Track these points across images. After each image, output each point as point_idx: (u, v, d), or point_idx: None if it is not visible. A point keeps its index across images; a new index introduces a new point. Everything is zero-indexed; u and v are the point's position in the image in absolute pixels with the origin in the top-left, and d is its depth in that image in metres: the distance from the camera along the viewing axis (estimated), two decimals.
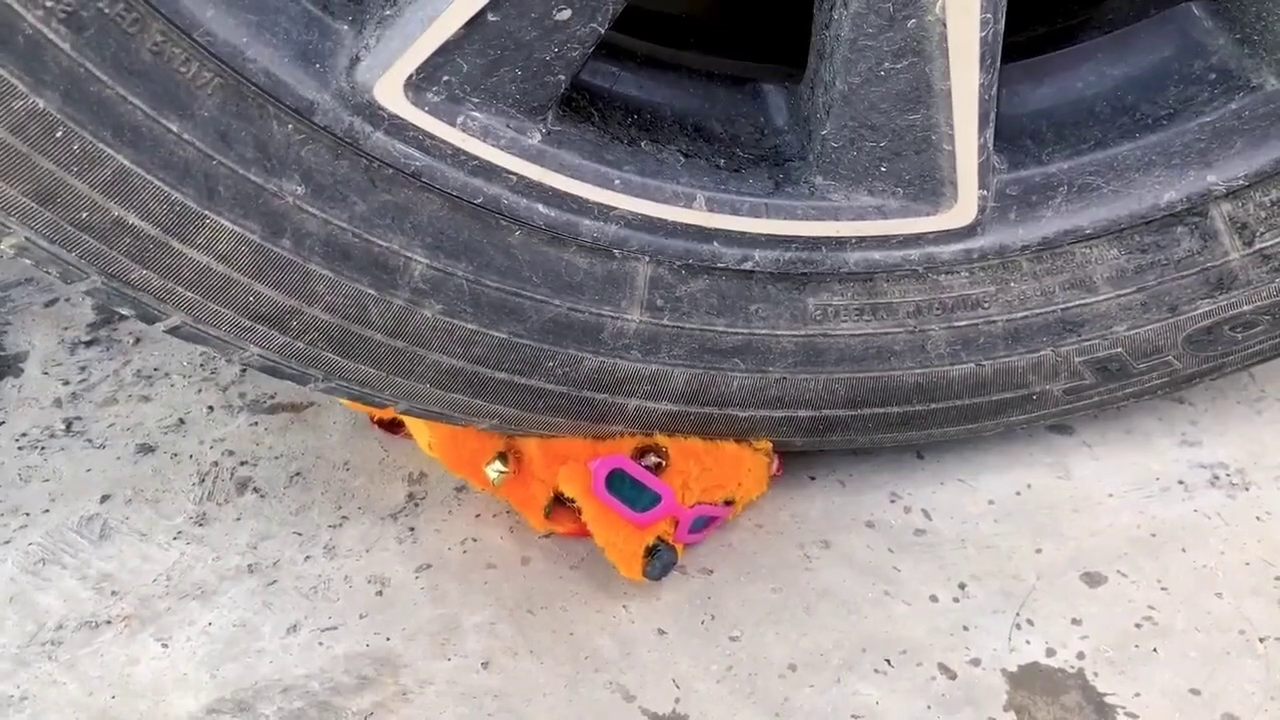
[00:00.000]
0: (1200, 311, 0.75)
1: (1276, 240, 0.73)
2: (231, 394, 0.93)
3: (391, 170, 0.62)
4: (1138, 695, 0.71)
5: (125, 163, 0.59)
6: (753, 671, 0.73)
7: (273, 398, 0.92)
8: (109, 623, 0.76)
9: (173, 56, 0.57)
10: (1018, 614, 0.76)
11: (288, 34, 0.58)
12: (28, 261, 0.62)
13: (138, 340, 0.98)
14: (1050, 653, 0.74)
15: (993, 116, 0.66)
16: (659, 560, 0.75)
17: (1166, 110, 0.72)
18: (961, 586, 0.78)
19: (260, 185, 0.61)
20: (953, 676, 0.72)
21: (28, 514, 0.83)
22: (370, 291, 0.65)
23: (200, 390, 0.93)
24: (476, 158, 0.63)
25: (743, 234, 0.68)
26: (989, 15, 0.62)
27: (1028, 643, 0.74)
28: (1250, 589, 0.77)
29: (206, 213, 0.61)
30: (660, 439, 0.76)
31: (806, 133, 0.69)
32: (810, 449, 0.81)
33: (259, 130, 0.60)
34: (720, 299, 0.70)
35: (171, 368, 0.95)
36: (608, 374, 0.71)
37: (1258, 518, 0.82)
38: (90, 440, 0.89)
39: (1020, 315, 0.74)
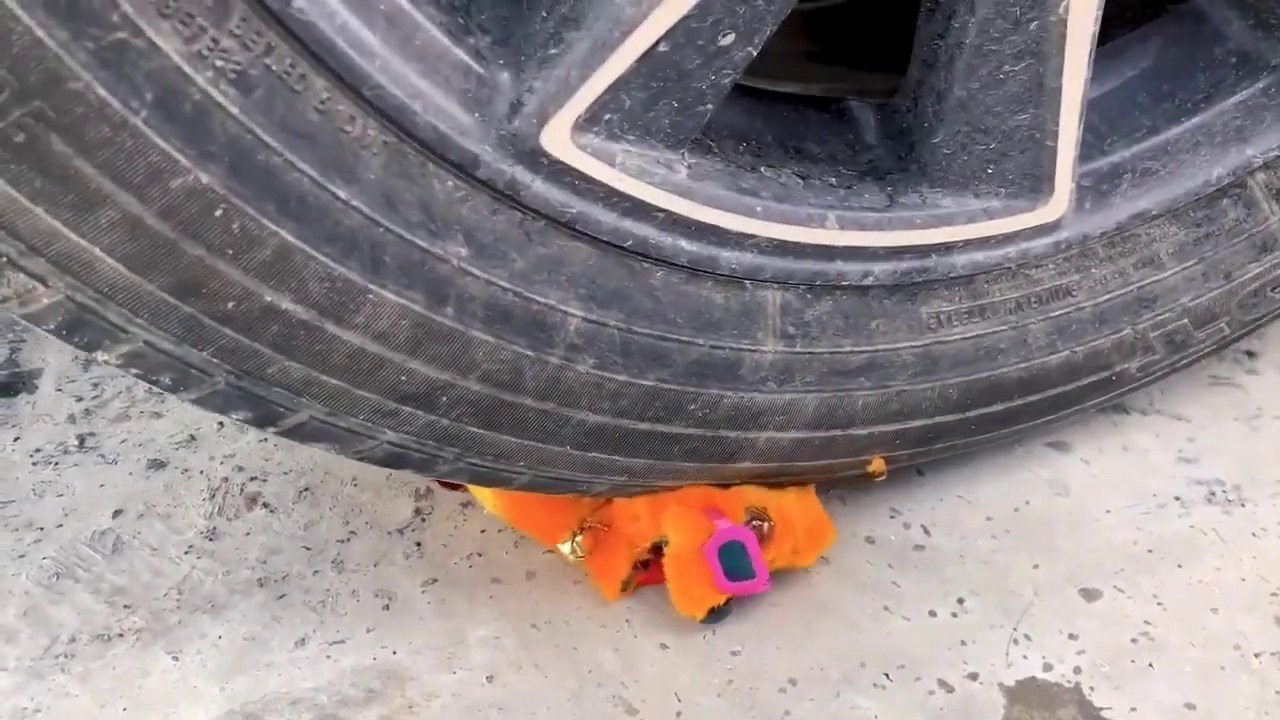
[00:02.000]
0: (1250, 275, 0.82)
1: None
2: None
3: (545, 221, 0.60)
4: (1133, 710, 0.72)
5: (288, 239, 0.53)
6: (753, 685, 0.74)
7: None
8: (121, 636, 0.77)
9: (338, 115, 0.53)
10: (1015, 629, 0.77)
11: (449, 83, 0.55)
12: (133, 373, 0.55)
13: None
14: (1047, 667, 0.75)
15: (1085, 109, 0.69)
16: (719, 614, 0.77)
17: (1202, 95, 0.77)
18: (960, 602, 0.79)
19: (426, 250, 0.57)
20: (951, 691, 0.73)
21: (42, 528, 0.85)
22: (527, 353, 0.63)
23: None
24: (630, 198, 0.61)
25: (864, 249, 0.69)
26: (1099, 11, 0.65)
27: (1025, 657, 0.75)
28: (1246, 605, 0.78)
29: (370, 287, 0.56)
30: (769, 501, 0.77)
31: (907, 144, 0.71)
32: (910, 463, 0.82)
33: (422, 190, 0.56)
34: (844, 319, 0.71)
35: None
36: (745, 409, 0.71)
37: (1254, 534, 0.83)
38: (103, 456, 0.91)
39: (1104, 298, 0.79)
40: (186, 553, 0.83)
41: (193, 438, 0.92)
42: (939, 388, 0.76)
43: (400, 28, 0.53)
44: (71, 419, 0.94)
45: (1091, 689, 0.73)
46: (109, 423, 0.93)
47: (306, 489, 0.88)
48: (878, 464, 0.79)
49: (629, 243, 0.62)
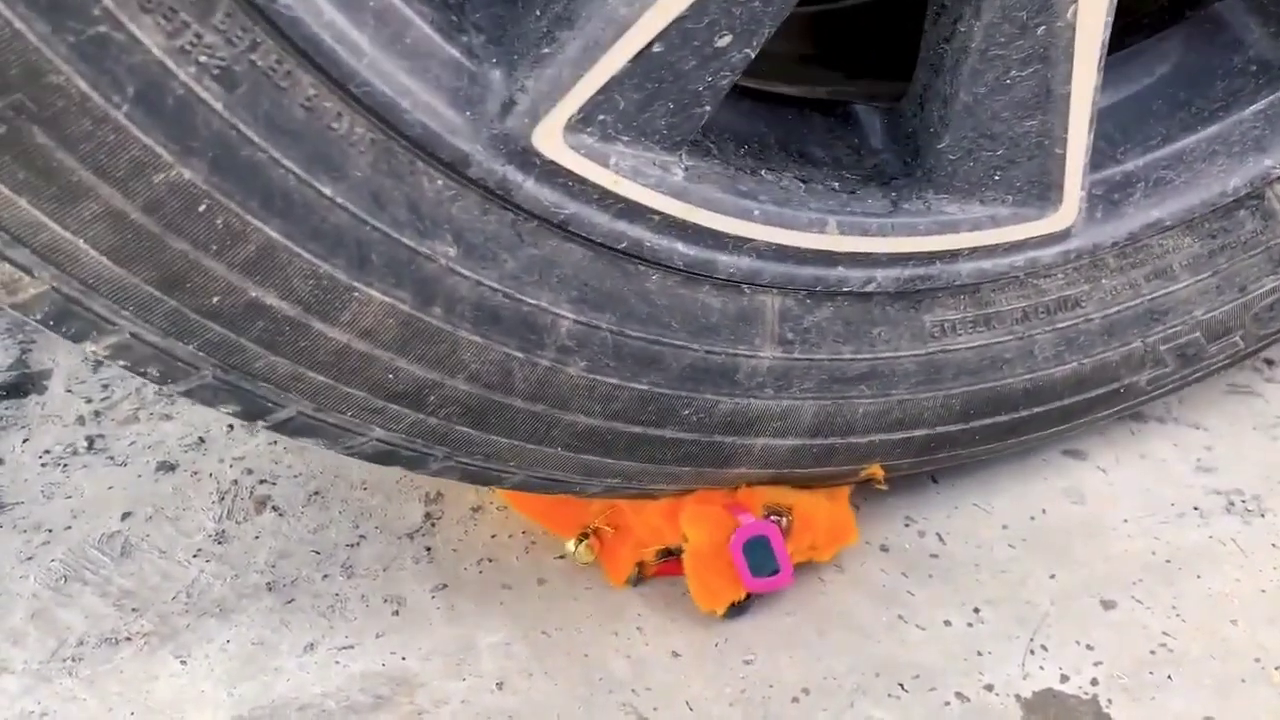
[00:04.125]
0: (1266, 288, 0.81)
1: None
2: None
3: (537, 222, 0.59)
4: None
5: (272, 235, 0.53)
6: (766, 695, 0.73)
7: None
8: (129, 639, 0.77)
9: (325, 112, 0.52)
10: (1032, 639, 0.76)
11: (439, 81, 0.54)
12: (121, 364, 0.56)
13: None
14: (1064, 679, 0.74)
15: (1096, 117, 0.69)
16: (739, 610, 0.77)
17: (1219, 103, 0.76)
18: (976, 611, 0.78)
19: (413, 249, 0.56)
20: (966, 701, 0.72)
21: (50, 530, 0.84)
22: (517, 354, 0.62)
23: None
24: (624, 199, 0.60)
25: (867, 255, 0.68)
26: (1109, 18, 0.65)
27: (1042, 668, 0.74)
28: (1265, 617, 0.77)
29: (356, 285, 0.56)
30: (788, 498, 0.76)
31: (912, 149, 0.70)
32: (911, 471, 0.81)
33: (411, 189, 0.55)
34: (845, 325, 0.70)
35: None
36: (741, 415, 0.71)
37: (1273, 544, 0.82)
38: (112, 458, 0.90)
39: (1114, 309, 0.77)
40: (195, 556, 0.82)
41: (202, 440, 0.91)
42: (942, 397, 0.75)
43: (390, 25, 0.52)
44: (81, 420, 0.94)
45: (1109, 701, 0.72)
46: (118, 425, 0.93)
47: (316, 492, 0.87)
48: (875, 471, 0.78)
49: (623, 245, 0.62)
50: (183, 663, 0.75)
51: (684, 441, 0.70)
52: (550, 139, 0.56)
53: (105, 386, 0.96)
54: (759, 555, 0.74)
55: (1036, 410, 0.79)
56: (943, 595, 0.79)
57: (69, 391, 0.96)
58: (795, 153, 0.70)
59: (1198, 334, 0.81)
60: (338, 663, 0.75)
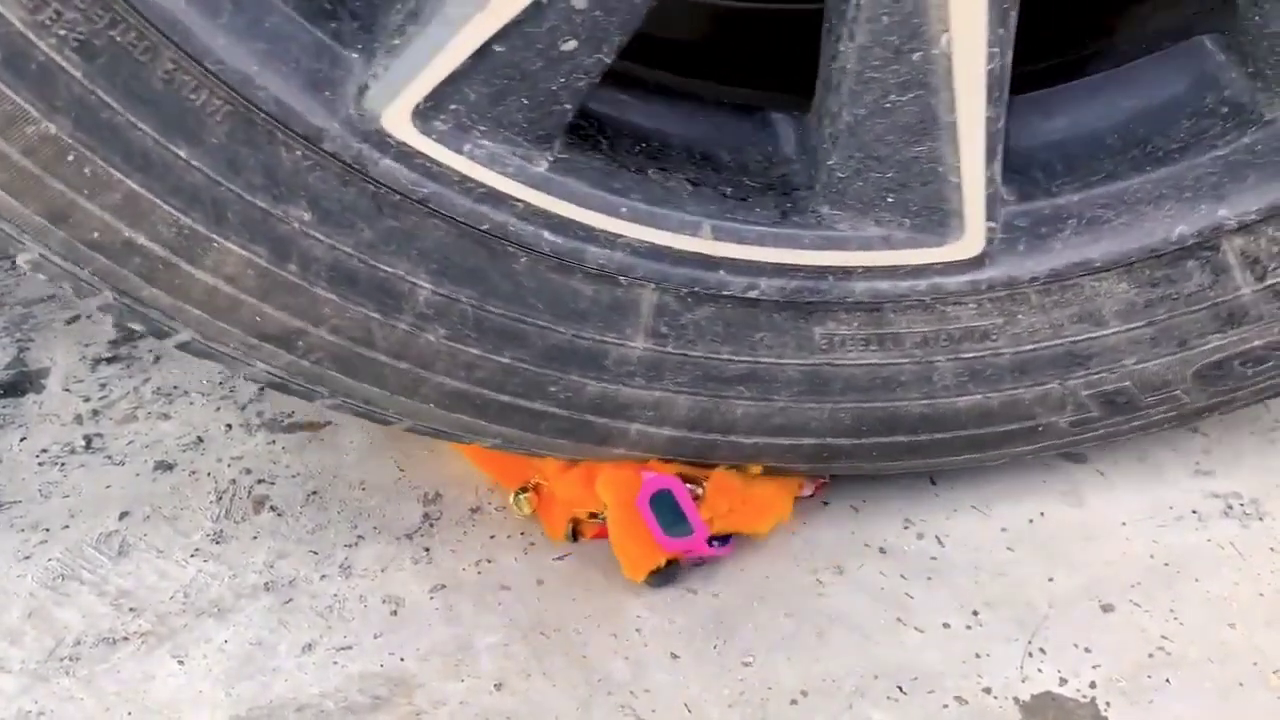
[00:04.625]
0: (1210, 346, 0.74)
1: None
2: (249, 413, 0.94)
3: (399, 196, 0.63)
4: None
5: (135, 187, 0.60)
6: (764, 697, 0.73)
7: (290, 416, 0.93)
8: (126, 639, 0.77)
9: (183, 84, 0.58)
10: (1030, 642, 0.76)
11: (298, 62, 0.59)
12: (42, 276, 0.64)
13: (157, 359, 0.99)
14: (1063, 682, 0.74)
15: (1000, 149, 0.66)
16: (664, 575, 0.78)
17: (1178, 144, 0.71)
18: (974, 614, 0.78)
19: (267, 211, 0.62)
20: (965, 704, 0.72)
21: (48, 529, 0.84)
22: (375, 315, 0.66)
23: (219, 409, 0.94)
24: (483, 185, 0.63)
25: (749, 262, 0.68)
26: (995, 50, 0.62)
27: (1040, 671, 0.74)
28: (1264, 620, 0.77)
29: (215, 237, 0.62)
30: (700, 473, 0.77)
31: (815, 162, 0.70)
32: (814, 474, 0.82)
33: (267, 157, 0.60)
34: (726, 327, 0.70)
35: (190, 386, 0.96)
36: (610, 400, 0.72)
37: (1271, 548, 0.82)
38: (110, 457, 0.90)
39: (1028, 348, 0.73)
40: (193, 556, 0.82)
41: (200, 440, 0.91)
42: (829, 409, 0.74)
43: (249, 10, 0.57)
44: (78, 419, 0.93)
45: (1107, 704, 0.72)
46: (116, 424, 0.93)
47: (314, 493, 0.87)
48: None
49: (486, 227, 0.64)
50: (180, 663, 0.75)
51: (556, 416, 0.72)
52: (400, 123, 0.61)
53: (103, 386, 0.96)
54: (668, 512, 0.75)
55: (938, 436, 0.77)
56: (941, 598, 0.79)
57: (67, 390, 0.96)
58: (698, 155, 0.70)
59: (1128, 383, 0.75)
60: (336, 663, 0.75)
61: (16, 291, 1.05)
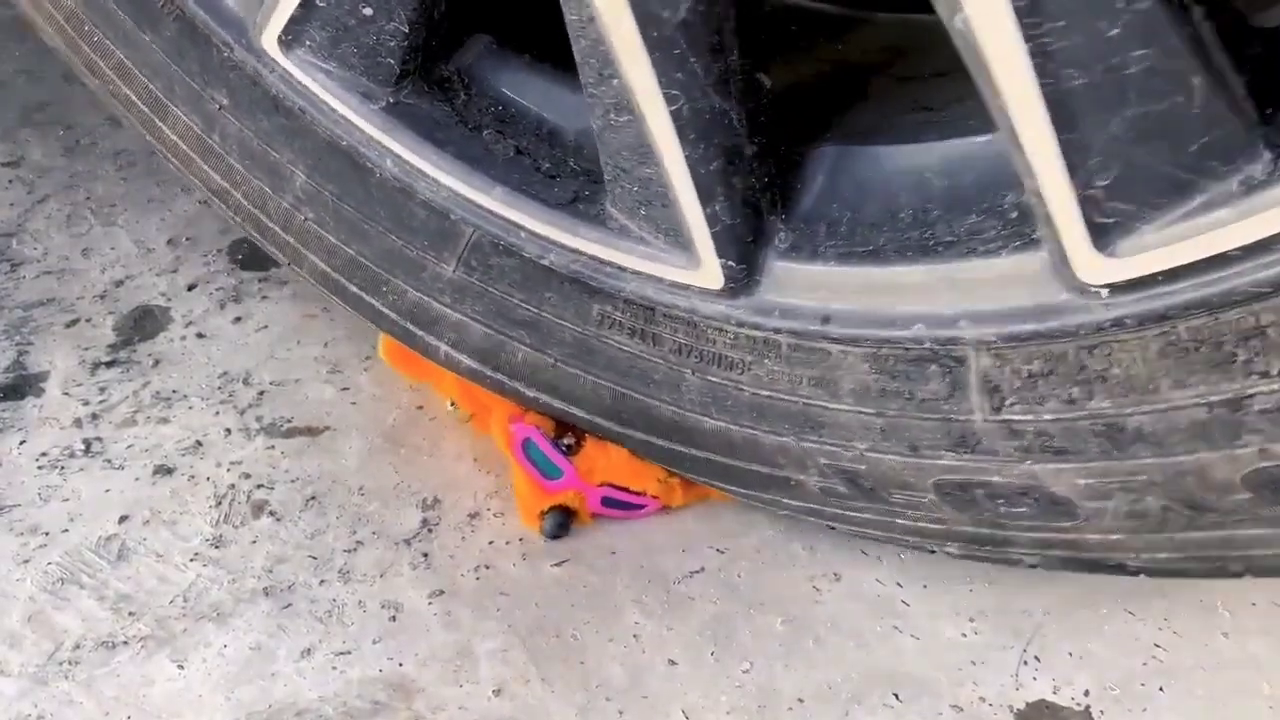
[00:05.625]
0: (944, 463, 0.65)
1: (1027, 417, 0.61)
2: (249, 417, 0.94)
3: (288, 103, 0.77)
4: None
5: (123, 57, 0.84)
6: (762, 704, 0.73)
7: (289, 421, 0.93)
8: (126, 643, 0.77)
9: None
10: (1025, 650, 0.77)
11: None
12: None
13: (156, 362, 0.99)
14: (1057, 690, 0.74)
15: (722, 191, 0.62)
16: (550, 520, 0.83)
17: (951, 238, 0.60)
18: (970, 621, 0.79)
19: (199, 91, 0.82)
20: (960, 711, 0.73)
21: (47, 533, 0.84)
22: (268, 189, 0.83)
23: (218, 413, 0.94)
24: (335, 110, 0.76)
25: (539, 234, 0.72)
26: (677, 93, 0.59)
27: (1034, 679, 0.75)
28: (1257, 629, 0.78)
29: (169, 104, 0.84)
30: (577, 433, 0.82)
31: None
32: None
33: (202, 52, 0.80)
34: (523, 276, 0.75)
35: (190, 390, 0.96)
36: (424, 310, 0.81)
37: None
38: (109, 461, 0.90)
39: (765, 394, 0.69)
40: (192, 560, 0.82)
41: (199, 444, 0.92)
42: (592, 383, 0.76)
43: None
44: (78, 423, 0.93)
45: (1101, 712, 0.73)
46: (115, 427, 0.93)
47: (313, 497, 0.87)
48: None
49: (344, 144, 0.77)
50: (180, 667, 0.75)
51: (388, 317, 0.83)
52: (271, 47, 0.76)
53: (102, 389, 0.96)
54: (538, 456, 0.81)
55: (695, 453, 0.76)
56: (937, 605, 0.80)
57: (66, 394, 0.96)
58: (545, 130, 0.74)
59: (863, 467, 0.69)
60: (335, 668, 0.75)
61: (16, 295, 1.05)
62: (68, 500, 0.87)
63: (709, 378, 0.71)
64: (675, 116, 0.60)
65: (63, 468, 0.90)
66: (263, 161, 0.81)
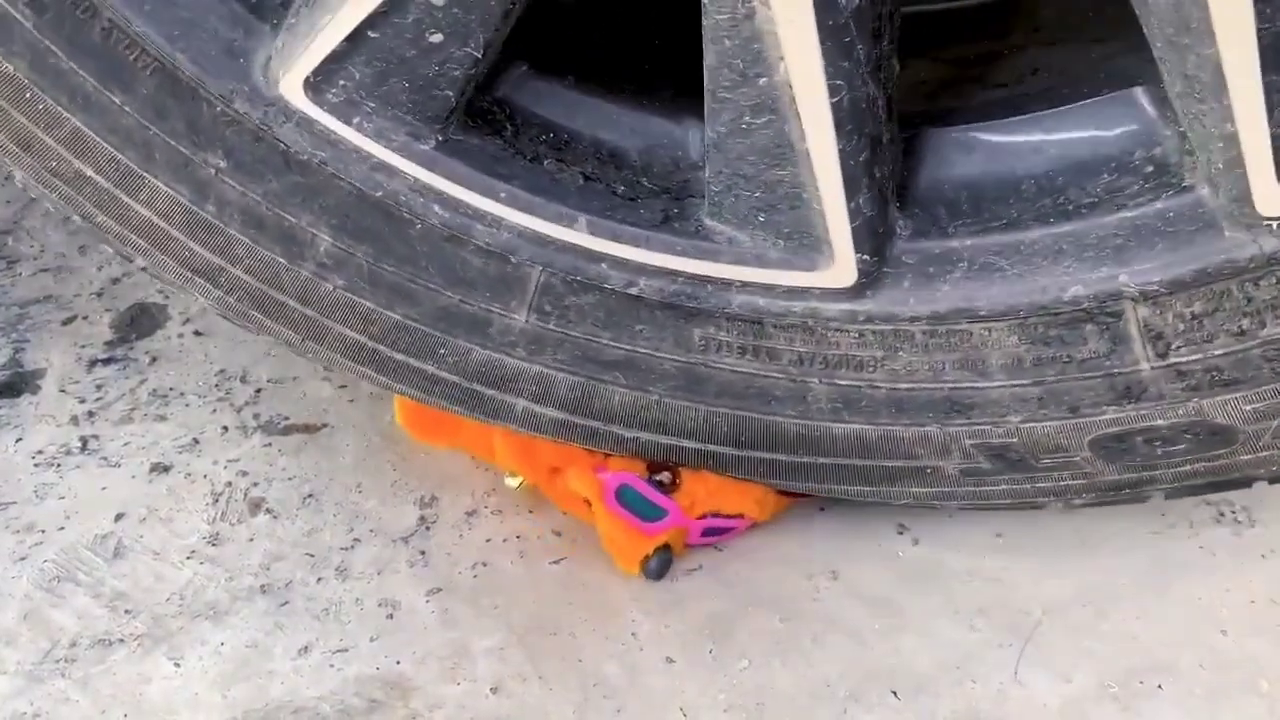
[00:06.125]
0: (1106, 418, 0.69)
1: (1195, 357, 0.66)
2: (246, 415, 0.94)
3: (304, 156, 0.68)
4: None
5: (80, 124, 0.69)
6: (760, 701, 0.73)
7: (286, 419, 0.93)
8: (122, 641, 0.77)
9: (119, 39, 0.66)
10: (1023, 648, 0.77)
11: (215, 32, 0.66)
12: (32, 193, 0.73)
13: (153, 360, 0.99)
14: (1056, 688, 0.74)
15: (865, 182, 0.64)
16: (656, 562, 0.80)
17: (1092, 199, 0.65)
18: (968, 620, 0.78)
19: (188, 156, 0.70)
20: (959, 710, 0.73)
21: (43, 531, 0.84)
22: (282, 260, 0.72)
23: (215, 410, 0.94)
24: (374, 156, 0.68)
25: (628, 261, 0.69)
26: (839, 82, 0.60)
27: (1034, 678, 0.75)
28: (1255, 627, 0.78)
29: (145, 174, 0.70)
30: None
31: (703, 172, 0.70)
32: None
33: (190, 110, 0.68)
34: (607, 314, 0.71)
35: (187, 388, 0.96)
36: (495, 369, 0.74)
37: (1263, 555, 0.83)
38: (105, 458, 0.90)
39: (905, 386, 0.70)
40: (189, 558, 0.82)
41: (196, 441, 0.91)
42: (704, 412, 0.74)
43: None
44: (74, 421, 0.93)
45: (1101, 711, 0.73)
46: (112, 425, 0.93)
47: (310, 495, 0.87)
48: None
49: (380, 194, 0.69)
50: (176, 665, 0.75)
51: (446, 381, 0.76)
52: (294, 93, 0.67)
53: (99, 387, 0.96)
54: (635, 501, 0.78)
55: (822, 461, 0.75)
56: (936, 603, 0.79)
57: (63, 391, 0.96)
58: (606, 152, 0.71)
59: (1015, 440, 0.71)
60: (332, 666, 0.75)
61: (12, 292, 1.05)
62: (64, 498, 0.87)
63: (837, 382, 0.71)
64: (835, 108, 0.61)
65: (59, 465, 0.90)
66: (274, 228, 0.71)
